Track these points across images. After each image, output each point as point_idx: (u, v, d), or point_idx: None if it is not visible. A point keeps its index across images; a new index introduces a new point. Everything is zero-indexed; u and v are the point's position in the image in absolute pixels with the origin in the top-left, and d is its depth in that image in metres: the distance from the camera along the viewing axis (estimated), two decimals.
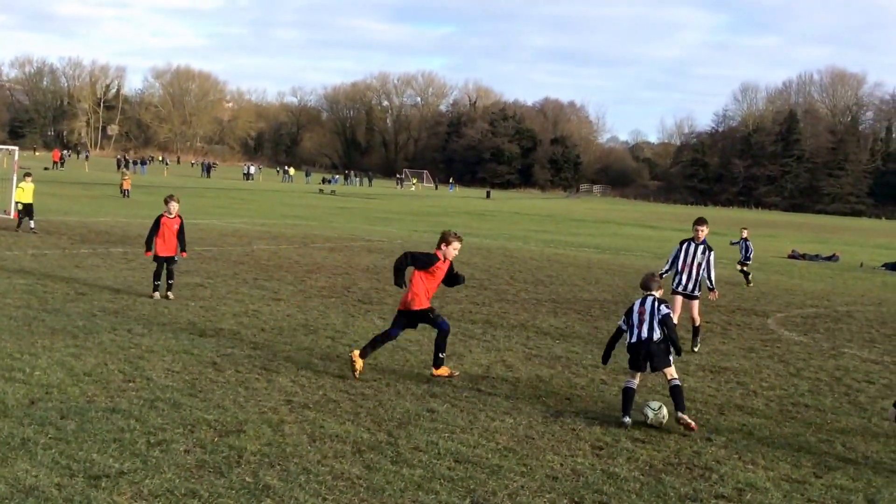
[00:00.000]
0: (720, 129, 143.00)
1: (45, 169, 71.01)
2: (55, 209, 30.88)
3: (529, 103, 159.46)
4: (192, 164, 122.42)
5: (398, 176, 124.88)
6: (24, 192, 24.22)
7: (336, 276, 18.48)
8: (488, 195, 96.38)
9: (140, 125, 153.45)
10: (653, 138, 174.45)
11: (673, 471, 6.92)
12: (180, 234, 14.11)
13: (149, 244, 14.10)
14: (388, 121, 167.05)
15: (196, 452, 6.48)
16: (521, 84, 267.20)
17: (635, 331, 8.45)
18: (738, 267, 23.12)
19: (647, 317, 8.44)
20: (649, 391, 9.38)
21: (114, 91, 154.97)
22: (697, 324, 12.49)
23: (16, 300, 12.46)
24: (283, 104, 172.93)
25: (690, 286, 12.50)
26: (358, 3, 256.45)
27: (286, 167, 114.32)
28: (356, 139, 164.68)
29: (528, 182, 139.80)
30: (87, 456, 6.19)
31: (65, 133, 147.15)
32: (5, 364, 8.69)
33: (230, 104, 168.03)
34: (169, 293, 13.70)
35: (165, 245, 13.90)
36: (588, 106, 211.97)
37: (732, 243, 25.32)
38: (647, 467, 6.98)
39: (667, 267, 12.70)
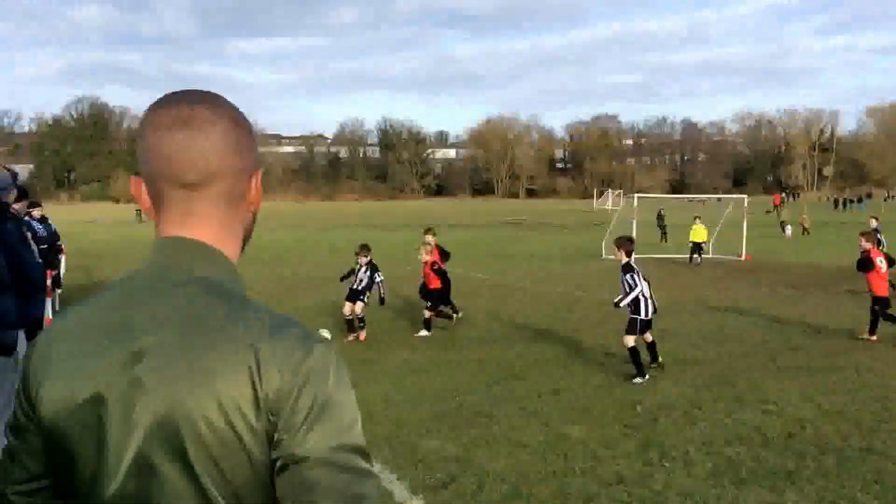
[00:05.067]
0: None
1: (767, 213, 73.02)
2: (770, 249, 31.51)
3: None
4: None
5: None
6: (696, 233, 27.14)
7: None
8: None
9: (854, 164, 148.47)
10: None
11: None
12: None
13: None
14: None
15: None
16: None
17: None
18: None
19: None
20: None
21: (827, 134, 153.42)
22: None
23: (759, 336, 12.97)
24: None
25: None
26: None
27: None
28: None
29: None
30: (850, 493, 6.05)
31: (782, 177, 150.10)
32: (760, 397, 9.06)
33: None
34: None
35: None
36: None
37: None
38: None
39: None
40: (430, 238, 14.05)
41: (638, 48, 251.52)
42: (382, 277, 13.05)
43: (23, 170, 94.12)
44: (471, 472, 6.53)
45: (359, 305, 12.66)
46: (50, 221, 13.38)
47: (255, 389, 1.36)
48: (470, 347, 11.93)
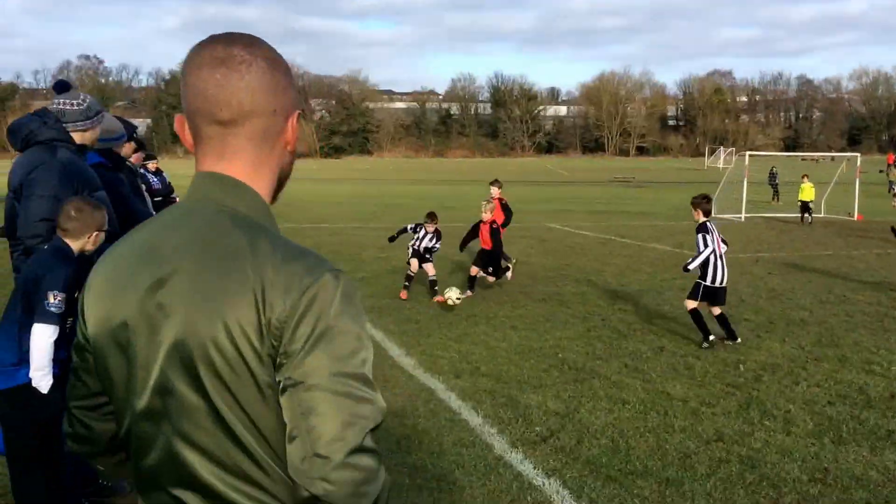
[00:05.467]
0: None
1: (880, 172, 69.24)
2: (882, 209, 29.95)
3: None
4: None
5: None
6: (804, 191, 26.14)
7: None
8: None
9: None
10: None
11: None
12: None
13: None
14: None
15: None
16: None
17: None
18: None
19: None
20: None
21: None
22: None
23: (867, 297, 12.49)
24: None
25: None
26: None
27: None
28: None
29: None
30: None
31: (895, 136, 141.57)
32: (864, 357, 8.81)
33: None
34: None
35: None
36: None
37: None
38: None
39: None
40: (495, 190, 13.19)
41: (755, 1, 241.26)
42: (438, 247, 12.69)
43: (141, 124, 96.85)
44: (570, 426, 6.56)
45: (431, 266, 12.34)
46: (165, 174, 13.51)
47: (259, 315, 1.40)
48: (574, 304, 11.94)
